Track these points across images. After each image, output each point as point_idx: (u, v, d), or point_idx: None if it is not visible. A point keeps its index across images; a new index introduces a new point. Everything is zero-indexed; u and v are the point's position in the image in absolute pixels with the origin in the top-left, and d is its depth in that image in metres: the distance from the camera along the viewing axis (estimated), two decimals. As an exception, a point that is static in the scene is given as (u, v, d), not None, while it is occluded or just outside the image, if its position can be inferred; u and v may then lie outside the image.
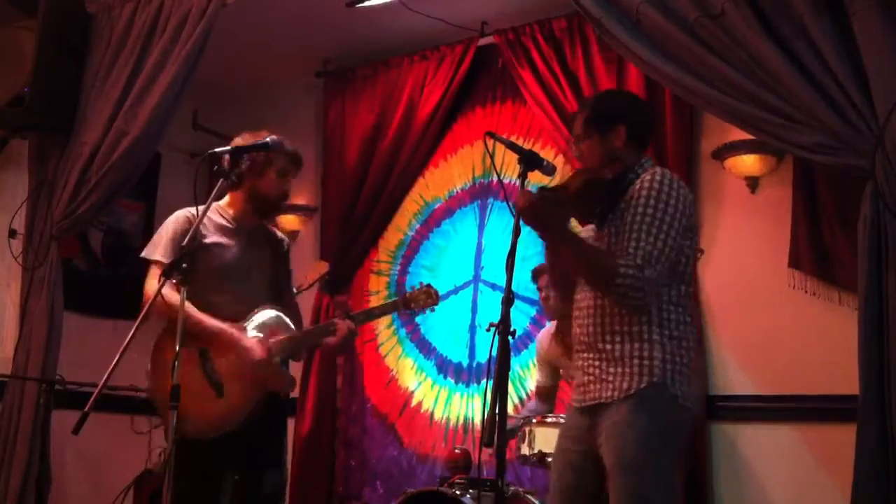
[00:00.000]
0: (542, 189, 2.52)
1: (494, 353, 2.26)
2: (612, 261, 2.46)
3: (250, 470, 3.20)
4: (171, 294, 2.99)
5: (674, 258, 2.51)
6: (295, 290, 3.67)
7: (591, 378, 2.57)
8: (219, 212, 3.33)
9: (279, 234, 3.52)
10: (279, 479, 3.30)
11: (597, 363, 2.57)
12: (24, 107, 4.56)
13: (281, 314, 3.31)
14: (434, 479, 4.60)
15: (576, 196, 2.52)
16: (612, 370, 2.53)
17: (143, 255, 3.24)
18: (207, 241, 3.22)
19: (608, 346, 2.55)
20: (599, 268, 2.49)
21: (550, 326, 4.11)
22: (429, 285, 3.43)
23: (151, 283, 3.16)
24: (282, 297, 3.41)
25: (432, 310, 3.46)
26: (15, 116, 4.65)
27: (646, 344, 2.51)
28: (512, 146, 2.63)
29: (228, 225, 3.31)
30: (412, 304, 3.39)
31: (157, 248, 3.21)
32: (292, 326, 3.32)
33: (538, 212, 2.43)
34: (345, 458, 5.17)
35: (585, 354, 2.61)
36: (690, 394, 2.55)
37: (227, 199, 3.37)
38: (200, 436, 3.05)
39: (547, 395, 4.14)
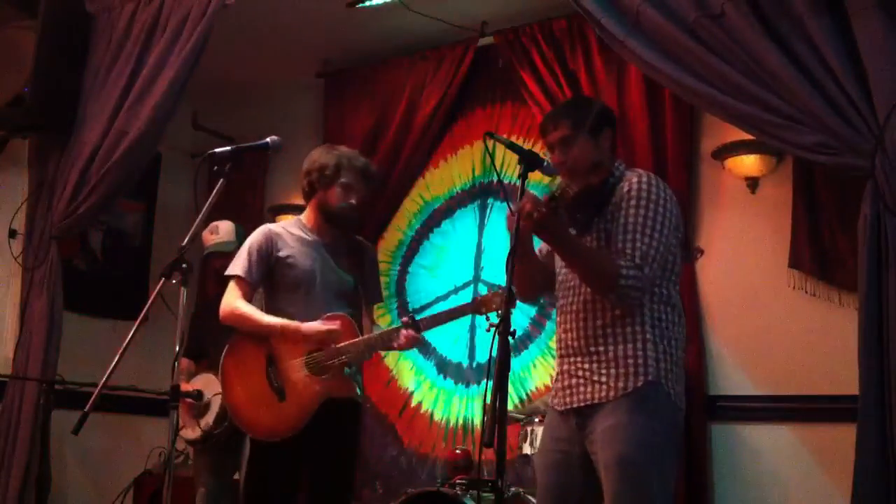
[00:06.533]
0: (548, 196, 2.51)
1: (494, 353, 2.26)
2: (614, 262, 2.47)
3: (315, 473, 3.26)
4: (238, 302, 3.20)
5: (665, 257, 2.53)
6: None
7: (581, 381, 2.56)
8: (298, 224, 3.37)
9: (364, 243, 3.51)
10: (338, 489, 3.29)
11: (587, 366, 2.56)
12: (24, 107, 4.57)
13: (350, 319, 3.28)
14: (434, 479, 4.60)
15: (570, 204, 2.52)
16: (604, 371, 2.52)
17: (226, 273, 3.30)
18: (282, 254, 3.28)
19: (601, 349, 2.54)
20: (602, 270, 2.49)
21: None
22: (502, 287, 3.35)
23: (227, 298, 3.25)
24: (360, 304, 3.41)
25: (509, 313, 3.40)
26: (15, 116, 4.65)
27: (639, 344, 2.51)
28: (512, 146, 2.62)
29: (306, 237, 3.34)
30: (483, 308, 3.27)
31: (237, 264, 3.27)
32: (358, 332, 3.28)
33: (544, 218, 2.42)
34: (345, 458, 5.16)
35: (573, 359, 2.60)
36: (682, 393, 2.56)
37: (306, 211, 3.40)
38: (269, 438, 3.18)
39: None
